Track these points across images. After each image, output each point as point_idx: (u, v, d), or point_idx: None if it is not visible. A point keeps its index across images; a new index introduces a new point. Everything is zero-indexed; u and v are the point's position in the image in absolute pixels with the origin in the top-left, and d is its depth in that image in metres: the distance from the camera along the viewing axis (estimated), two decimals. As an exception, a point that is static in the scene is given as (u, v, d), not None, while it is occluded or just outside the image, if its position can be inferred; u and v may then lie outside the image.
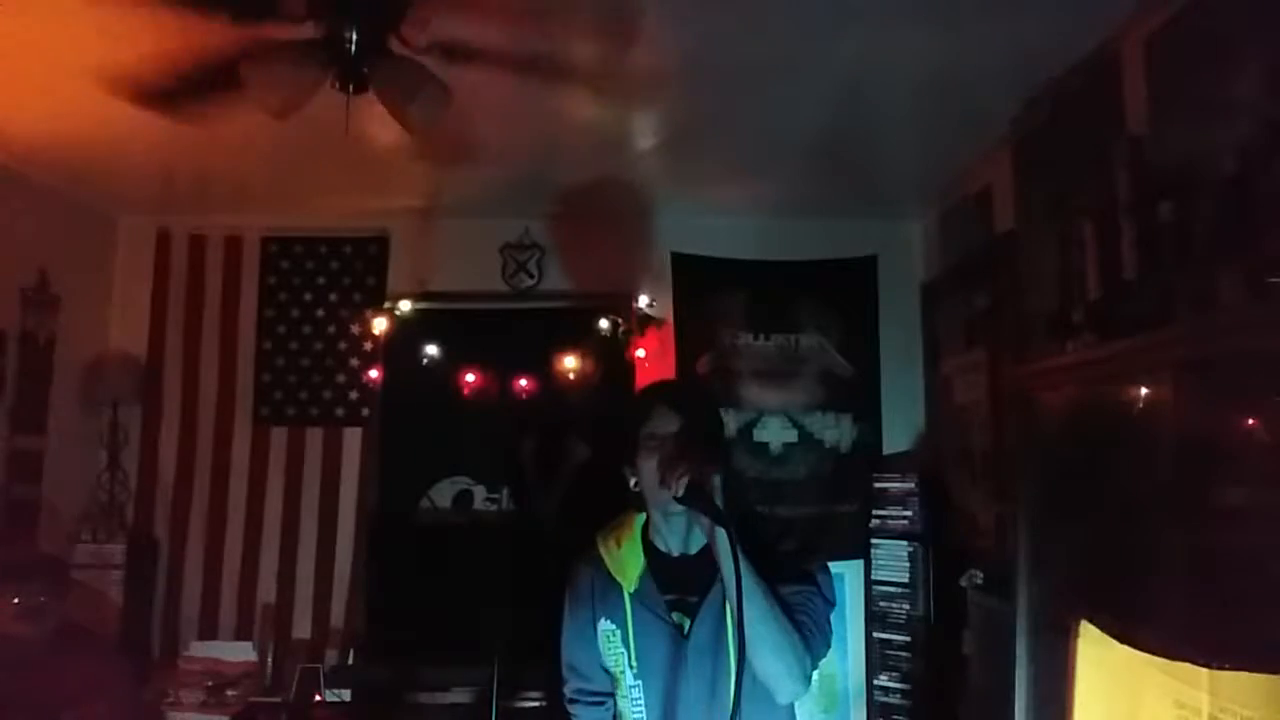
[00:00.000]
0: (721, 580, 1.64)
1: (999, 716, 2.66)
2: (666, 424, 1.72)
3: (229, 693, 3.79)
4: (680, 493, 1.58)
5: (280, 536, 4.25)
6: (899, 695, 3.84)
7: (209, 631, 4.17)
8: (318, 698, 3.78)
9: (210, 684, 3.80)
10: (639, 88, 2.99)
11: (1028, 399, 2.66)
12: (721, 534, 1.54)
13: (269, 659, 3.99)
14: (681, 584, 1.75)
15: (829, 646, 1.71)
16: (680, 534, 1.77)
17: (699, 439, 1.69)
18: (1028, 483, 2.67)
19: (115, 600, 3.95)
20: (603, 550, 1.85)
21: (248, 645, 4.04)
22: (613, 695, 1.82)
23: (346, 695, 3.81)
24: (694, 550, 1.77)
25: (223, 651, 3.99)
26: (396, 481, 4.19)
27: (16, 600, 2.88)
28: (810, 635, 1.64)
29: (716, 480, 1.59)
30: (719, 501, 1.57)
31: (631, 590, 1.77)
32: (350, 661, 3.97)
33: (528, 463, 4.13)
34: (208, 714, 3.71)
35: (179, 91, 2.67)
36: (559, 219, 4.33)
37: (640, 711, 1.76)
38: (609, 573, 1.81)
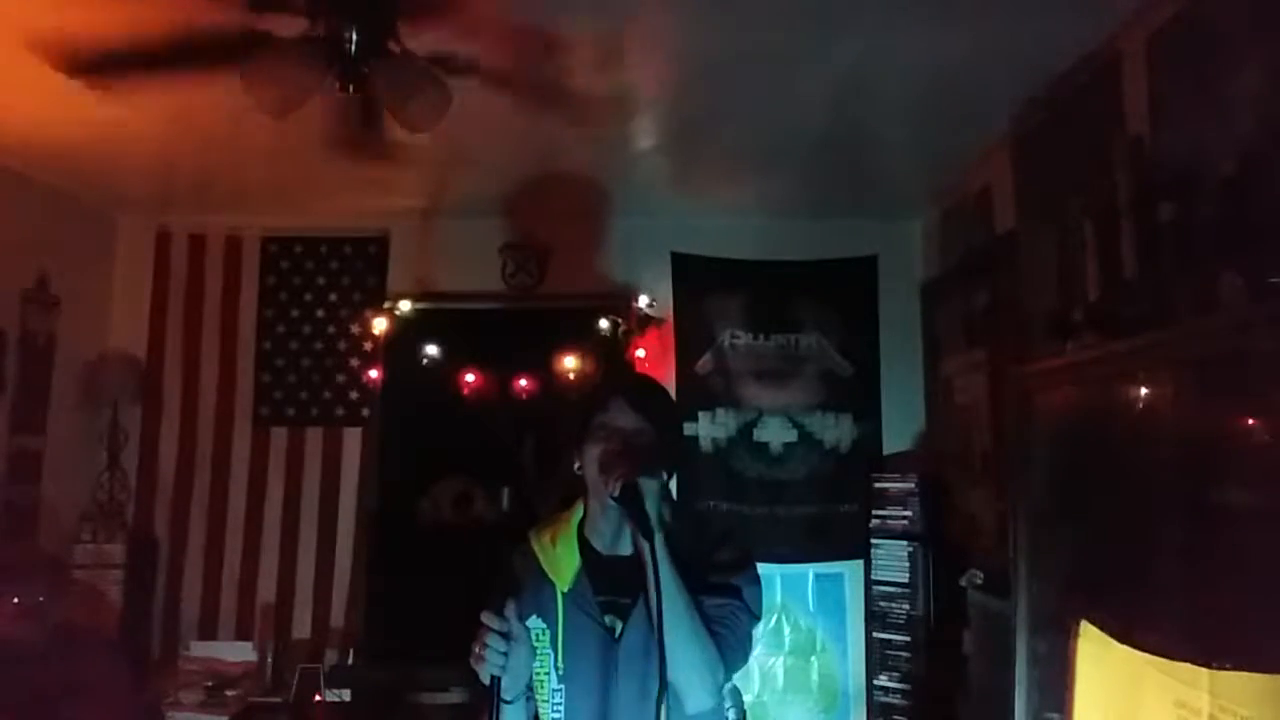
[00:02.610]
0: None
1: (999, 716, 2.66)
2: (619, 418, 1.70)
3: (229, 693, 3.79)
4: (615, 493, 1.58)
5: (280, 536, 4.25)
6: (899, 695, 3.84)
7: (209, 631, 4.17)
8: (318, 698, 3.78)
9: (210, 684, 3.80)
10: (639, 89, 2.99)
11: (1028, 399, 2.66)
12: (645, 545, 1.55)
13: (269, 659, 3.99)
14: (614, 585, 1.71)
15: (746, 660, 1.71)
16: (611, 534, 1.74)
17: (647, 440, 1.67)
18: (1028, 483, 2.66)
19: (115, 600, 3.94)
20: (537, 546, 1.80)
21: (248, 645, 4.05)
22: (525, 695, 1.73)
23: (346, 695, 3.81)
24: (627, 551, 1.73)
25: (223, 651, 4.00)
26: (396, 481, 4.18)
27: (16, 600, 2.88)
28: (728, 649, 1.63)
29: (654, 486, 1.59)
30: (655, 507, 1.57)
31: (565, 590, 1.72)
32: (350, 661, 3.97)
33: (528, 463, 4.12)
34: (208, 714, 3.71)
35: (126, 62, 2.57)
36: (559, 219, 4.33)
37: (559, 715, 1.70)
38: (542, 570, 1.76)
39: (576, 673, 1.70)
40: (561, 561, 1.76)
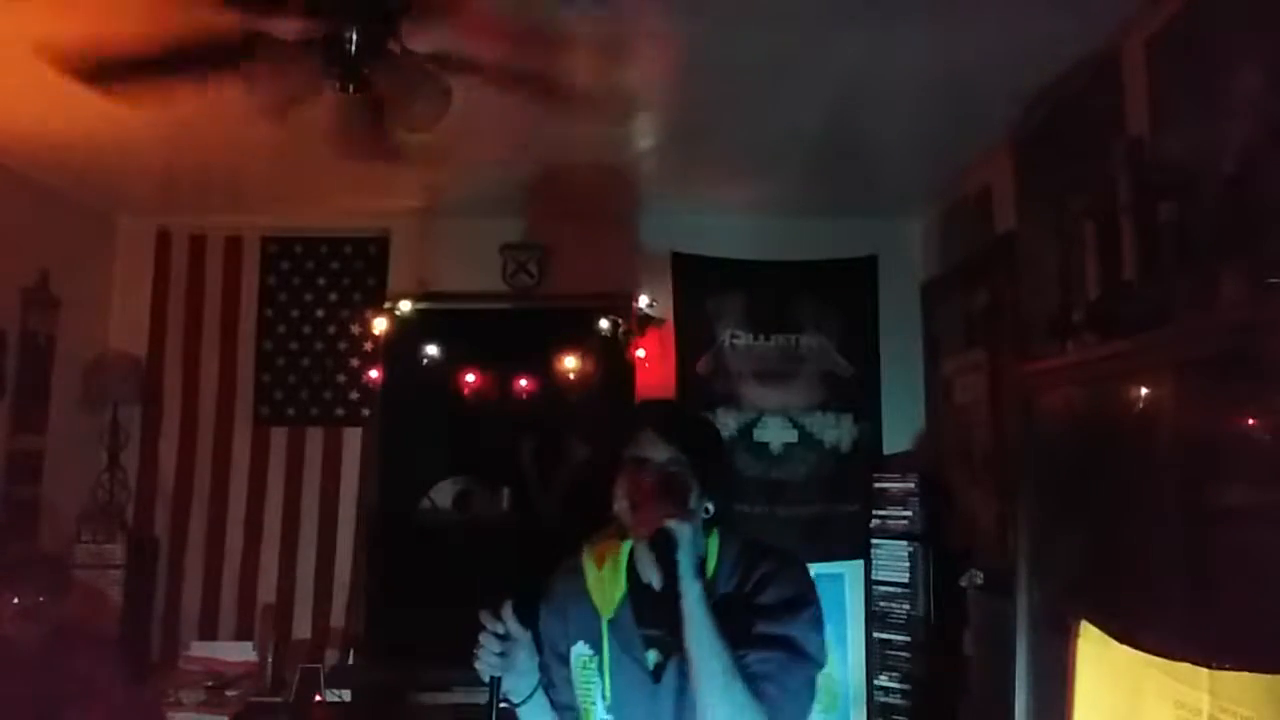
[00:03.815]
0: None
1: (999, 716, 2.66)
2: (651, 451, 1.59)
3: (229, 693, 3.79)
4: (646, 538, 1.51)
5: (280, 536, 4.26)
6: (899, 695, 3.84)
7: (209, 631, 4.17)
8: (318, 698, 3.78)
9: (210, 684, 3.80)
10: (639, 89, 2.99)
11: (1028, 399, 2.66)
12: (691, 578, 1.47)
13: (269, 659, 3.98)
14: (661, 619, 1.58)
15: (806, 713, 1.57)
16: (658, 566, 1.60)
17: (680, 473, 1.57)
18: (1028, 483, 2.66)
19: (115, 600, 3.94)
20: (587, 567, 1.72)
21: (248, 645, 4.05)
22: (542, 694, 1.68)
23: (346, 695, 3.81)
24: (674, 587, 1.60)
25: (223, 651, 4.00)
26: (396, 481, 4.18)
27: (16, 600, 2.88)
28: (776, 707, 1.48)
29: (686, 531, 1.48)
30: (689, 554, 1.49)
31: (609, 618, 1.64)
32: (350, 661, 3.97)
33: (528, 463, 4.12)
34: (208, 714, 3.70)
35: (132, 69, 2.55)
36: (559, 219, 4.33)
37: None
38: (589, 595, 1.68)
39: (624, 702, 1.62)
40: (608, 588, 1.67)
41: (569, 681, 1.67)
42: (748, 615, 1.54)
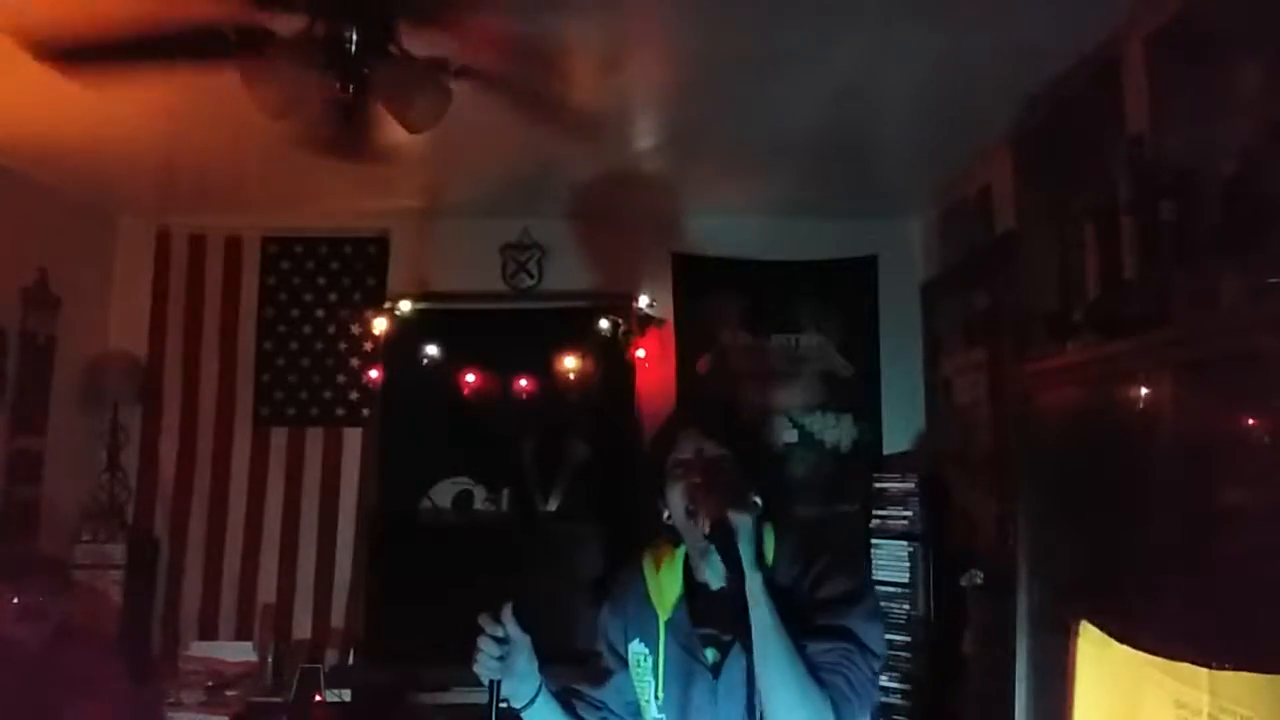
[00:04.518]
0: None
1: (999, 717, 2.66)
2: (696, 451, 1.62)
3: (229, 693, 3.79)
4: (706, 530, 1.52)
5: (280, 536, 4.25)
6: (899, 695, 3.83)
7: (209, 631, 4.17)
8: (318, 698, 3.78)
9: (210, 684, 3.80)
10: (639, 89, 2.99)
11: (1028, 399, 2.66)
12: (754, 569, 1.48)
13: (269, 659, 3.98)
14: (717, 618, 1.63)
15: (870, 706, 1.59)
16: (719, 568, 1.61)
17: (730, 468, 1.60)
18: (1028, 483, 2.66)
19: (115, 600, 3.94)
20: (646, 569, 1.75)
21: (248, 645, 4.04)
22: (623, 708, 1.73)
23: (346, 695, 3.81)
24: (733, 584, 1.62)
25: (223, 651, 4.00)
26: (396, 481, 4.18)
27: (16, 600, 2.88)
28: (842, 697, 1.49)
29: (746, 521, 1.50)
30: (749, 544, 1.50)
31: (666, 619, 1.67)
32: (350, 661, 3.97)
33: (528, 463, 4.12)
34: (208, 714, 3.71)
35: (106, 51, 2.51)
36: (559, 219, 4.33)
37: None
38: (647, 594, 1.72)
39: (676, 702, 1.64)
40: (665, 589, 1.70)
41: (628, 681, 1.71)
42: (808, 608, 1.55)
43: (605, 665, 1.74)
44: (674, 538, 1.71)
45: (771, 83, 2.90)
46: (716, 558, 1.57)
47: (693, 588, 1.69)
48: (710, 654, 1.63)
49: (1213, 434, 1.76)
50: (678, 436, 1.66)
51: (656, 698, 1.66)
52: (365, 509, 4.23)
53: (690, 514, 1.57)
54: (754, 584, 1.49)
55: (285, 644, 4.09)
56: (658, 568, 1.73)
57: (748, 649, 1.53)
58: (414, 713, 3.67)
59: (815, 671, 1.48)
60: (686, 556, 1.71)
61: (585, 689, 1.74)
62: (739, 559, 1.49)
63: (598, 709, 1.74)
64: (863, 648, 1.54)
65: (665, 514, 1.66)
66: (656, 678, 1.66)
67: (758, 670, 1.48)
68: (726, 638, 1.61)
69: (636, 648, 1.71)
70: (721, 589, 1.64)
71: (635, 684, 1.71)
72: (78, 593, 3.54)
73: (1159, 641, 1.89)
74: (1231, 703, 1.66)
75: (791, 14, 2.44)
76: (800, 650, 1.48)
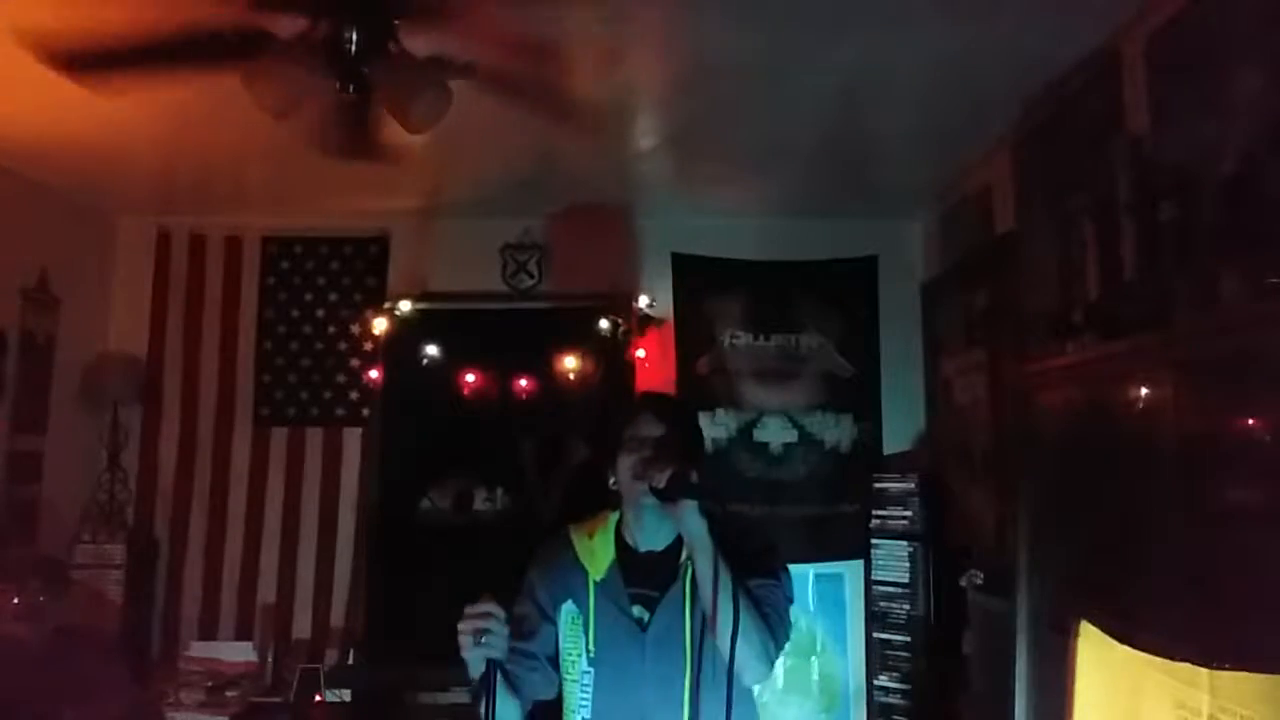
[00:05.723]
0: (682, 577, 1.83)
1: (999, 716, 2.66)
2: (649, 429, 1.86)
3: (229, 693, 3.79)
4: (662, 484, 1.71)
5: (280, 536, 4.25)
6: (899, 695, 3.84)
7: (209, 631, 4.17)
8: (318, 698, 3.78)
9: (210, 684, 3.80)
10: (639, 89, 2.99)
11: (1028, 399, 2.67)
12: (698, 517, 1.69)
13: (269, 659, 3.99)
14: (645, 578, 1.87)
15: (789, 638, 1.85)
16: (650, 530, 1.89)
17: (679, 444, 1.84)
18: (1028, 483, 2.67)
19: (115, 600, 3.94)
20: (574, 538, 1.96)
21: (248, 645, 4.04)
22: (547, 660, 1.89)
23: (346, 695, 3.81)
24: (661, 547, 1.89)
25: (223, 651, 3.99)
26: (396, 481, 4.18)
27: (16, 600, 2.88)
28: (775, 625, 1.77)
29: (694, 476, 1.72)
30: (696, 496, 1.71)
31: (598, 579, 1.88)
32: (350, 662, 3.97)
33: (528, 463, 4.12)
34: (208, 714, 3.71)
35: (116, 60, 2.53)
36: (559, 219, 4.33)
37: (587, 698, 1.84)
38: (577, 557, 1.92)
39: (606, 657, 1.84)
40: (598, 553, 1.92)
41: (555, 638, 1.89)
42: (739, 556, 1.78)
43: (531, 621, 1.89)
44: (616, 504, 1.94)
45: (772, 83, 2.90)
46: (649, 520, 1.86)
47: (623, 551, 1.91)
48: (638, 611, 1.86)
49: (1212, 434, 1.76)
50: (636, 416, 1.91)
51: (588, 651, 1.85)
52: (365, 509, 4.22)
53: (644, 475, 1.77)
54: (700, 529, 1.70)
55: (285, 644, 4.10)
56: (590, 535, 1.95)
57: (673, 604, 1.83)
58: (414, 712, 3.68)
59: (756, 604, 1.74)
60: (618, 524, 1.94)
61: (517, 644, 1.82)
62: (697, 493, 1.70)
63: (532, 658, 1.87)
64: (782, 587, 1.87)
65: (612, 480, 1.91)
66: (587, 634, 1.86)
67: (706, 599, 1.68)
68: (654, 594, 1.85)
69: (569, 607, 1.89)
70: (650, 552, 1.90)
71: (565, 642, 1.88)
72: (78, 593, 3.54)
73: (1159, 641, 1.89)
74: (1231, 703, 1.66)
75: (791, 14, 2.45)
76: (741, 582, 1.72)
